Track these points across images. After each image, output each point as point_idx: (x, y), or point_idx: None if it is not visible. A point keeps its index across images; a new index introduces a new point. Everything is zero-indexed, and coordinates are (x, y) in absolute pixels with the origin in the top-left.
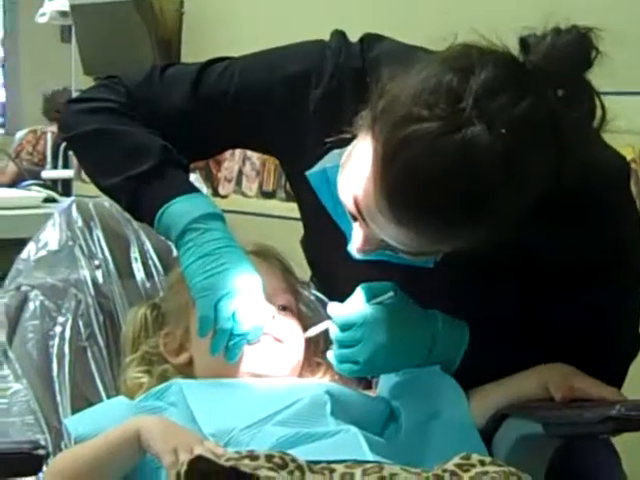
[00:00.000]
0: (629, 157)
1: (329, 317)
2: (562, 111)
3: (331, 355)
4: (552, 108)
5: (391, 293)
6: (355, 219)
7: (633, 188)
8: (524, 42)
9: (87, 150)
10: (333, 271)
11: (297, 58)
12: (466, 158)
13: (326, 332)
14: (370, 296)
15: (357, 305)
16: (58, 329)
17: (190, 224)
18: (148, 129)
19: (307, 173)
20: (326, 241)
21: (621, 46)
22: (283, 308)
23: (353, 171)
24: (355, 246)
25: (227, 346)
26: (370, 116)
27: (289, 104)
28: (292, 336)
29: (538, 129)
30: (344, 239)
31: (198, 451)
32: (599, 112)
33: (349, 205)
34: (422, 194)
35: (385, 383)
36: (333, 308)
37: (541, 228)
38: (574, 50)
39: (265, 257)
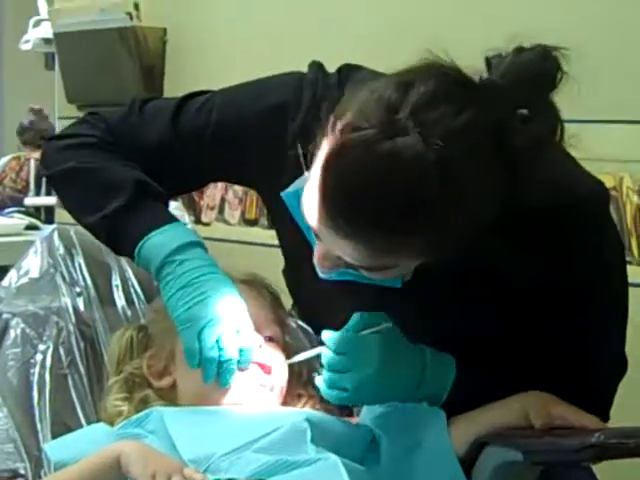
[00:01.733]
0: (609, 185)
1: (312, 346)
2: (514, 126)
3: (320, 380)
4: (501, 123)
5: (389, 324)
6: (317, 237)
7: (614, 215)
8: (488, 62)
9: (65, 188)
10: (313, 300)
11: (274, 90)
12: (394, 166)
13: (309, 363)
14: (365, 325)
15: (353, 333)
16: (39, 357)
17: (167, 257)
18: (127, 162)
19: (282, 194)
20: (305, 270)
21: (602, 75)
22: (269, 339)
23: (309, 187)
24: (316, 264)
25: (218, 373)
26: (322, 131)
27: (267, 137)
28: (277, 367)
29: (479, 142)
30: None
31: (177, 477)
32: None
33: (308, 222)
34: (353, 201)
35: (368, 411)
36: (328, 334)
37: (504, 247)
38: (533, 67)
39: (255, 287)
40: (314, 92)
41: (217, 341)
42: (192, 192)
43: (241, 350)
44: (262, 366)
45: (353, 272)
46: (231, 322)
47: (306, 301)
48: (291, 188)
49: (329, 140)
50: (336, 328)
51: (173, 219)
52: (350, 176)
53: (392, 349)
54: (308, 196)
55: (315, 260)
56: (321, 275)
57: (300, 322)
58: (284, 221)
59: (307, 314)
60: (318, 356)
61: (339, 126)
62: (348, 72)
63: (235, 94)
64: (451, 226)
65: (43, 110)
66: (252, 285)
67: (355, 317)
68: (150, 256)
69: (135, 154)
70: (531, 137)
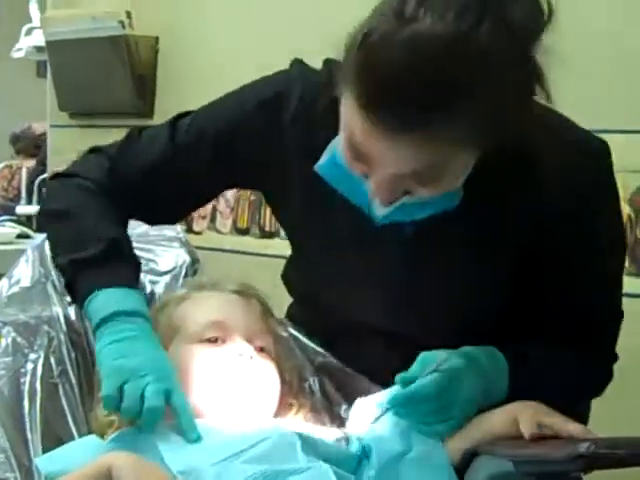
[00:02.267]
0: None
1: (304, 355)
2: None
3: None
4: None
5: (445, 356)
6: (367, 177)
7: None
8: None
9: (52, 225)
10: (331, 288)
11: (260, 89)
12: (418, 49)
13: (299, 371)
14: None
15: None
16: (30, 366)
17: (103, 320)
18: (115, 215)
19: (316, 166)
20: (318, 254)
21: (593, 85)
22: (261, 349)
23: (344, 125)
24: (377, 202)
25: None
26: (343, 59)
27: (264, 135)
28: (268, 378)
29: (483, 16)
30: (341, 246)
31: None
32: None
33: (352, 159)
34: (390, 90)
35: (357, 421)
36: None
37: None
38: None
39: (246, 297)
40: (303, 80)
41: (140, 394)
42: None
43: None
44: (251, 380)
45: (410, 201)
46: (156, 376)
47: (315, 289)
48: (323, 159)
49: (350, 57)
50: (355, 319)
51: (132, 284)
52: (382, 70)
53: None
54: (347, 128)
55: (372, 194)
56: (380, 213)
57: (292, 330)
58: (300, 210)
59: (314, 307)
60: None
61: (354, 40)
62: (334, 62)
63: (223, 102)
64: (483, 97)
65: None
66: (243, 295)
67: (422, 358)
68: (90, 315)
69: (140, 181)
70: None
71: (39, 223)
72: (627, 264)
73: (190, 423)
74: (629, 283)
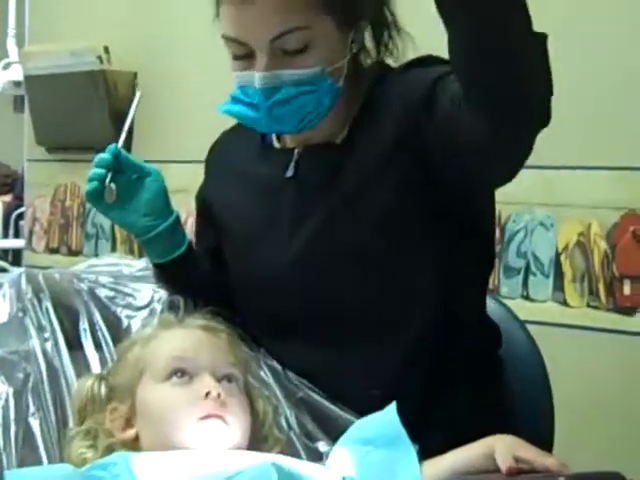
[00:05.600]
0: (577, 231)
1: (280, 385)
2: None
3: None
4: None
5: None
6: (246, 56)
7: (582, 263)
8: None
9: None
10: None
11: None
12: None
13: (273, 405)
14: None
15: None
16: (5, 401)
17: None
18: None
19: (219, 109)
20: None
21: (570, 122)
22: (228, 379)
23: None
24: (257, 73)
25: None
26: None
27: None
28: (237, 412)
29: None
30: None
31: None
32: None
33: (238, 64)
34: None
35: (338, 456)
36: None
37: None
38: None
39: (213, 331)
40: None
41: None
42: None
43: None
44: (220, 416)
45: (285, 76)
46: None
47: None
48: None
49: None
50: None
51: None
52: None
53: None
54: (225, 35)
55: (257, 72)
56: (260, 80)
57: (268, 361)
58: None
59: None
60: None
61: None
62: None
63: None
64: None
65: None
66: (210, 330)
67: None
68: None
69: None
70: None
71: None
72: (604, 300)
73: None
74: (607, 319)
